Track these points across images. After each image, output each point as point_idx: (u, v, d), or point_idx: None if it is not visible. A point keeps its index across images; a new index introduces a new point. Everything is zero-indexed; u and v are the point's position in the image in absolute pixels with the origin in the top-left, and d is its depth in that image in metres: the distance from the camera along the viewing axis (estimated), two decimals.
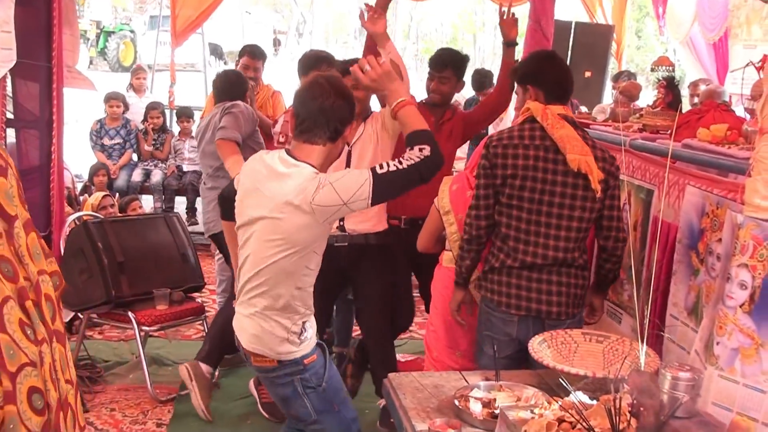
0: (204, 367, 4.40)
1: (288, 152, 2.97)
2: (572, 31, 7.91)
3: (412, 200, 3.98)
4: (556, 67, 3.48)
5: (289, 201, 2.83)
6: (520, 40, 4.96)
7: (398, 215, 4.47)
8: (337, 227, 3.99)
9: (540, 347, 3.03)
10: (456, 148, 4.91)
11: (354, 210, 2.93)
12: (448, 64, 4.54)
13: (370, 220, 4.12)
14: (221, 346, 4.45)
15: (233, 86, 5.01)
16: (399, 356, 4.80)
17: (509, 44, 4.68)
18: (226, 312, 4.41)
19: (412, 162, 2.87)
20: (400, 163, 2.87)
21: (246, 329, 3.03)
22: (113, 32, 24.64)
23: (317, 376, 3.09)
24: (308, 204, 2.81)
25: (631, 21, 14.38)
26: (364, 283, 4.23)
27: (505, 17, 4.65)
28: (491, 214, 3.37)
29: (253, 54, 6.25)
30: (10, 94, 4.95)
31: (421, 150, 2.89)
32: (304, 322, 3.05)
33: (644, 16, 22.94)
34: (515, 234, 3.31)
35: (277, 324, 2.98)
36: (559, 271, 3.32)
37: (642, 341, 2.52)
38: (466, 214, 3.43)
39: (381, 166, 2.88)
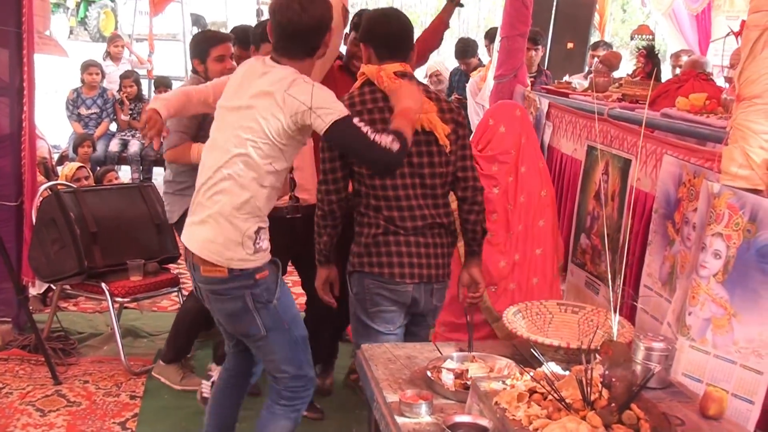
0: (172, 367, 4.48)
1: (272, 58, 2.98)
2: (555, 1, 7.86)
3: None
4: (385, 24, 3.21)
5: (264, 90, 2.86)
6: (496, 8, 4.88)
7: None
8: (288, 197, 3.86)
9: (514, 318, 3.01)
10: None
11: (309, 123, 2.84)
12: None
13: None
14: (185, 342, 4.52)
15: (195, 47, 4.56)
16: None
17: (453, 2, 4.31)
18: (185, 307, 4.45)
19: (378, 143, 2.82)
20: (373, 134, 2.83)
21: (198, 236, 2.97)
22: (93, 1, 24.30)
23: (269, 292, 3.01)
24: (282, 92, 2.81)
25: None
26: None
27: None
28: (342, 187, 3.21)
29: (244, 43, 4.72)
30: None
31: (392, 141, 2.83)
32: (259, 229, 2.97)
33: None
34: (386, 203, 3.16)
35: (231, 226, 2.92)
36: (440, 233, 3.21)
37: (615, 311, 2.49)
38: (317, 189, 3.29)
39: (360, 121, 2.87)
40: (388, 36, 3.19)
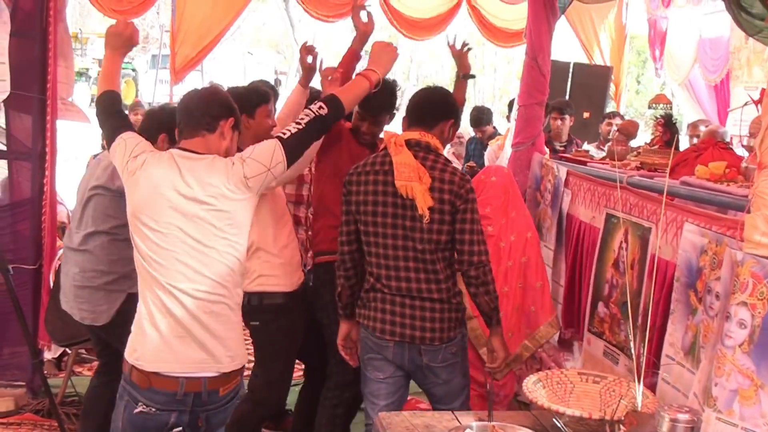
0: None
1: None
2: (570, 71, 7.93)
3: None
4: (417, 94, 3.49)
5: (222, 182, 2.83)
6: (511, 79, 4.88)
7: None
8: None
9: (534, 387, 2.95)
10: None
11: (276, 176, 2.95)
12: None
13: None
14: None
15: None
16: None
17: (465, 77, 4.31)
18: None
19: (309, 118, 3.09)
20: (299, 123, 3.07)
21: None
22: None
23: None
24: (241, 177, 2.84)
25: (630, 66, 14.41)
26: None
27: (456, 47, 4.31)
28: (353, 240, 3.37)
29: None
30: (3, 126, 4.91)
31: (320, 108, 3.13)
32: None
33: (643, 61, 23.07)
34: (376, 261, 3.29)
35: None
36: (423, 301, 3.26)
37: (639, 381, 2.44)
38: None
39: (284, 132, 3.03)
40: (413, 105, 3.39)
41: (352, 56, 3.89)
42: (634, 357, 2.55)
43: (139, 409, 2.83)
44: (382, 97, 3.71)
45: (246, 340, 3.16)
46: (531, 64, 4.64)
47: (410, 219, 3.21)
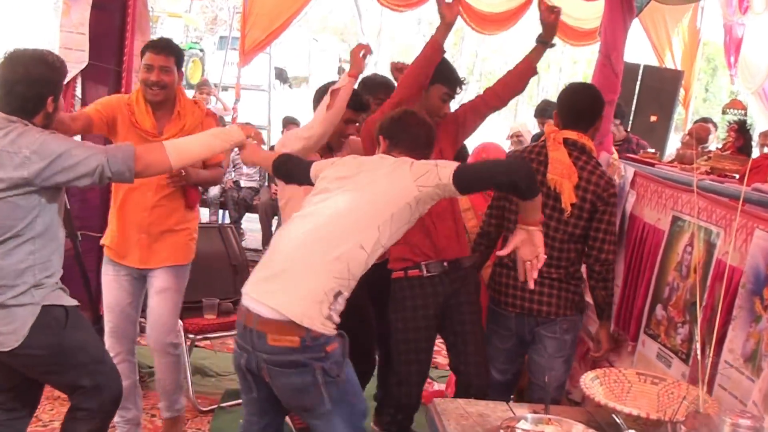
0: None
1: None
2: (640, 73, 7.81)
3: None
4: (575, 94, 3.87)
5: (394, 166, 3.02)
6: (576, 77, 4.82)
7: None
8: None
9: (592, 384, 2.94)
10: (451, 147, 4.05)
11: (439, 174, 2.94)
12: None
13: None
14: None
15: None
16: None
17: (543, 42, 4.02)
18: None
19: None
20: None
21: (272, 295, 2.83)
22: (183, 50, 25.08)
23: (338, 366, 2.87)
24: (411, 163, 3.00)
25: (700, 73, 14.19)
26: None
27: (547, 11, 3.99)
28: (501, 215, 3.86)
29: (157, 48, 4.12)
30: (80, 96, 5.01)
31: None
32: (340, 293, 2.88)
33: (713, 68, 22.71)
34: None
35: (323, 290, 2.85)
36: (542, 278, 3.58)
37: (702, 383, 2.42)
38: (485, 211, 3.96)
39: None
40: (571, 106, 3.82)
41: (435, 48, 3.75)
42: (699, 359, 2.53)
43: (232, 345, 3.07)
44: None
45: None
46: (604, 62, 4.60)
47: (551, 209, 3.64)
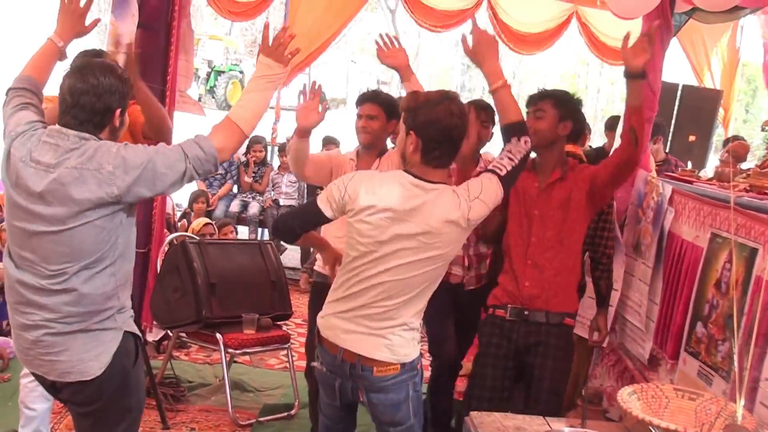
0: None
1: (416, 176, 3.04)
2: (679, 93, 7.77)
3: None
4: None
5: (449, 218, 2.96)
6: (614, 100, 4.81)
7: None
8: None
9: (629, 398, 2.93)
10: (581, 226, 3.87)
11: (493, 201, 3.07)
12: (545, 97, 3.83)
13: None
14: None
15: None
16: None
17: (633, 76, 3.60)
18: None
19: (522, 155, 3.17)
20: (513, 159, 3.14)
21: (373, 340, 3.03)
22: (223, 72, 25.42)
23: (421, 379, 3.18)
24: (465, 220, 2.98)
25: (740, 94, 14.07)
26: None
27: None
28: None
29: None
30: None
31: (526, 142, 3.20)
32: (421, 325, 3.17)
33: (753, 89, 22.48)
34: None
35: (411, 329, 3.08)
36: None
37: (740, 395, 2.41)
38: None
39: (500, 168, 3.11)
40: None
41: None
42: (736, 371, 2.52)
43: (315, 363, 3.19)
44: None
45: None
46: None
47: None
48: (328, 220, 3.13)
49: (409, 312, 3.05)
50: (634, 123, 3.62)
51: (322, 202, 3.08)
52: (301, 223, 3.19)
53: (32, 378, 3.47)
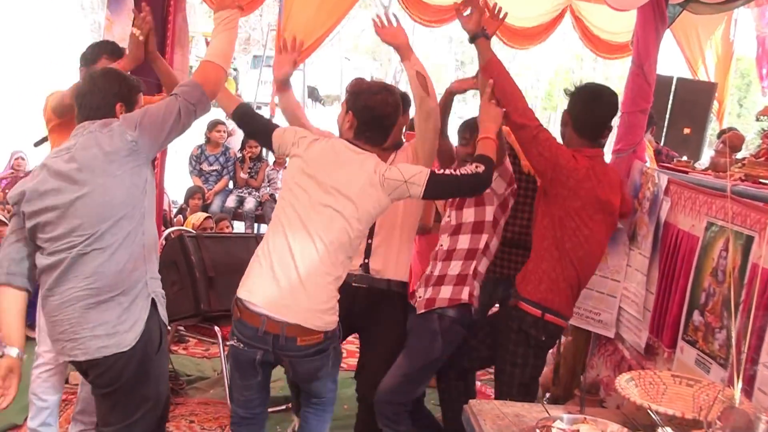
0: None
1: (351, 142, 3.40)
2: (673, 86, 7.78)
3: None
4: None
5: (369, 180, 3.24)
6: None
7: None
8: (360, 265, 3.92)
9: (627, 385, 2.95)
10: None
11: (410, 191, 3.26)
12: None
13: (396, 265, 3.94)
14: None
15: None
16: None
17: (473, 38, 3.74)
18: None
19: (466, 173, 3.28)
20: (455, 170, 3.31)
21: (297, 306, 3.19)
22: None
23: (338, 341, 3.44)
24: (381, 177, 3.24)
25: (733, 89, 14.09)
26: (377, 333, 3.99)
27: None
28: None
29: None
30: None
31: (477, 167, 3.30)
32: (338, 295, 3.34)
33: (747, 84, 22.51)
34: None
35: (330, 294, 3.25)
36: None
37: (738, 377, 2.43)
38: None
39: (438, 169, 3.34)
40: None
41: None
42: (734, 356, 2.53)
43: (231, 342, 3.31)
44: None
45: None
46: (637, 72, 4.61)
47: (531, 191, 4.27)
48: (268, 145, 3.51)
49: (319, 272, 3.25)
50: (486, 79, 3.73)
51: (277, 132, 3.46)
52: (253, 127, 3.64)
53: (45, 368, 3.78)
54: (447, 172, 3.31)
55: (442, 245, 3.82)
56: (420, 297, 3.86)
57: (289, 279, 3.18)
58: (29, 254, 3.01)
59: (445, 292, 3.76)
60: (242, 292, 3.27)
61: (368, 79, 3.99)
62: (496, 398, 3.64)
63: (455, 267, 3.74)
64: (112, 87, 3.13)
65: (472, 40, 3.74)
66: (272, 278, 3.20)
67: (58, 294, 2.93)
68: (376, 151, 3.41)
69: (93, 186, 2.89)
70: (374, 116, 3.36)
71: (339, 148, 3.35)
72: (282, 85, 3.96)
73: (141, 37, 3.66)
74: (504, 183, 3.80)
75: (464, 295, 3.74)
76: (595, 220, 3.68)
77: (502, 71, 3.70)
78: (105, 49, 3.88)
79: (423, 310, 3.79)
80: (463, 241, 3.74)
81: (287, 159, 3.50)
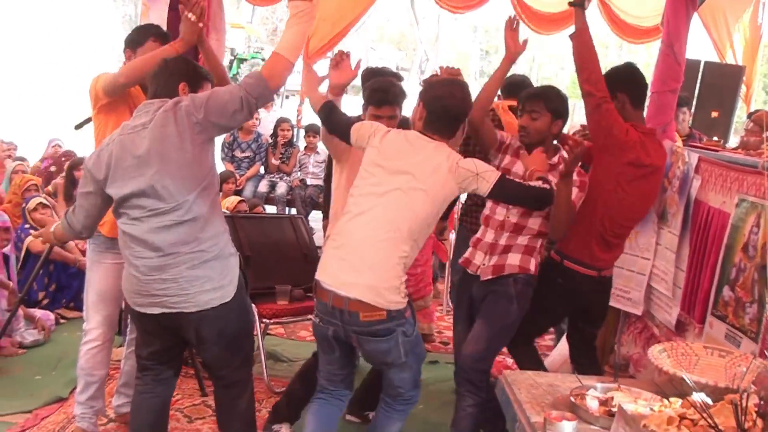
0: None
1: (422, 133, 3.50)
2: (701, 70, 7.71)
3: None
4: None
5: (442, 166, 3.34)
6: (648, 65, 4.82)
7: None
8: None
9: (660, 355, 2.97)
10: None
11: (479, 185, 3.37)
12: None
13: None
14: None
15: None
16: None
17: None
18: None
19: (536, 186, 3.46)
20: (524, 181, 3.51)
21: (361, 282, 3.25)
22: (245, 59, 25.44)
23: (412, 327, 3.40)
24: (455, 166, 3.34)
25: (759, 75, 13.89)
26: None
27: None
28: None
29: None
30: None
31: (544, 183, 3.48)
32: (405, 279, 3.37)
33: None
34: None
35: (395, 274, 3.27)
36: None
37: None
38: None
39: (514, 179, 3.56)
40: (509, 84, 4.76)
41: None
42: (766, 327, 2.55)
43: (312, 317, 3.48)
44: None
45: None
46: (666, 52, 4.61)
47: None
48: (346, 139, 3.59)
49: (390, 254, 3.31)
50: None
51: (354, 127, 3.55)
52: (335, 123, 3.67)
53: (93, 345, 3.90)
54: (517, 180, 3.50)
55: (509, 218, 3.79)
56: (482, 264, 3.86)
57: (355, 258, 3.27)
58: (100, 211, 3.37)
59: (513, 259, 3.77)
60: (317, 272, 3.41)
61: (394, 68, 4.12)
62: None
63: (523, 240, 3.78)
64: (180, 69, 3.33)
65: (573, 4, 3.99)
66: (340, 258, 3.32)
67: (161, 258, 3.17)
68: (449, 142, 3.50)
69: (170, 161, 3.11)
70: (442, 107, 3.44)
71: (412, 137, 3.45)
72: (340, 91, 3.86)
73: (195, 20, 3.67)
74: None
75: (531, 266, 3.79)
76: (633, 185, 3.87)
77: (588, 41, 3.93)
78: (151, 31, 3.96)
79: (491, 276, 3.79)
80: (533, 223, 3.76)
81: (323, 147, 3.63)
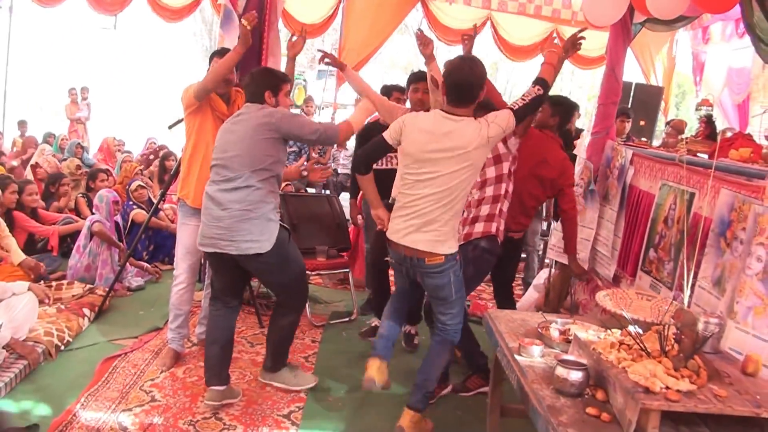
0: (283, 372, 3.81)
1: (447, 112, 3.09)
2: (632, 89, 7.69)
3: None
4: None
5: (474, 141, 2.98)
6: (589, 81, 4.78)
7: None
8: None
9: (603, 299, 3.00)
10: None
11: (507, 131, 3.06)
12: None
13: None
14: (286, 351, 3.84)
15: None
16: None
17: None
18: (279, 325, 3.67)
19: (532, 97, 3.12)
20: (524, 99, 3.12)
21: (424, 239, 3.06)
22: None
23: (460, 267, 3.19)
24: (486, 138, 2.99)
25: (673, 94, 13.78)
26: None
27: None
28: None
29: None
30: None
31: (537, 89, 3.14)
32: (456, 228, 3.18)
33: (683, 92, 22.01)
34: None
35: (449, 230, 3.09)
36: None
37: (688, 286, 2.46)
38: None
39: (514, 105, 3.11)
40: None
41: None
42: (684, 279, 2.57)
43: (388, 259, 3.34)
44: None
45: None
46: (609, 74, 4.59)
47: None
48: (391, 148, 3.20)
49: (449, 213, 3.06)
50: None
51: (386, 134, 3.18)
52: (371, 152, 3.28)
53: (182, 286, 3.92)
54: (520, 103, 3.10)
55: (474, 196, 3.62)
56: (460, 233, 3.69)
57: (417, 222, 3.07)
58: None
59: (478, 227, 3.61)
60: (388, 233, 3.21)
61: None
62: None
63: (485, 209, 3.59)
64: (264, 79, 3.40)
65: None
66: (405, 222, 3.10)
67: (221, 211, 3.26)
68: (467, 112, 3.08)
69: (243, 145, 3.25)
70: (454, 81, 3.05)
71: (437, 118, 3.08)
72: (430, 59, 3.73)
73: (248, 27, 3.63)
74: (517, 142, 3.67)
75: (493, 229, 3.60)
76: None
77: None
78: (227, 50, 3.89)
79: (463, 241, 3.60)
80: (489, 191, 3.59)
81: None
